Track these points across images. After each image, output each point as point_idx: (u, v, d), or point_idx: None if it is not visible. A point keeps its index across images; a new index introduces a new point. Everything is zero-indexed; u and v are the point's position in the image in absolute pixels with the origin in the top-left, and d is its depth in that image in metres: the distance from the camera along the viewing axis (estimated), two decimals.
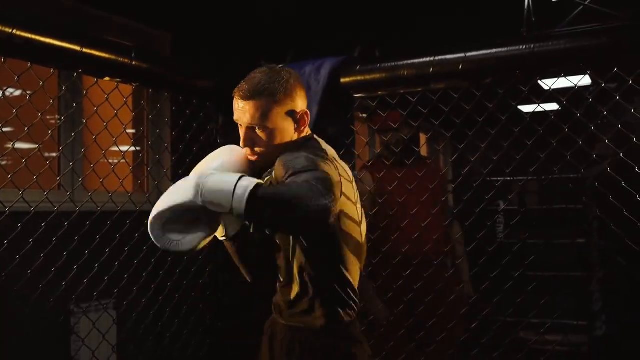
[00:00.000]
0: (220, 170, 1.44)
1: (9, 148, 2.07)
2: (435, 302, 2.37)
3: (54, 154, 3.37)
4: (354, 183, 1.58)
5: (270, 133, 1.50)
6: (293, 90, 1.53)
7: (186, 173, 1.44)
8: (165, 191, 1.35)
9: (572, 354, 2.31)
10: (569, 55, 1.82)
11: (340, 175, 1.45)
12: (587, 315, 3.99)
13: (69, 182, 3.19)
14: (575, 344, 2.38)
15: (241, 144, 1.54)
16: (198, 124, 2.59)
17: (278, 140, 1.51)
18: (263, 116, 1.48)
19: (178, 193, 1.28)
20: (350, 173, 1.59)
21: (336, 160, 1.55)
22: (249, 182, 1.23)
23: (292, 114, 1.53)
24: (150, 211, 1.33)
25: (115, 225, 2.32)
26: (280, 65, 2.35)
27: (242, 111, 1.50)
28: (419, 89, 2.16)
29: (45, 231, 2.08)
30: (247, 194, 1.21)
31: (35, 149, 2.00)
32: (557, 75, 1.94)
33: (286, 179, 1.35)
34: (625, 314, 3.92)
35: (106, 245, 2.31)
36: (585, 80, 2.23)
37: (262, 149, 1.52)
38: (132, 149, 3.79)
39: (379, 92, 2.21)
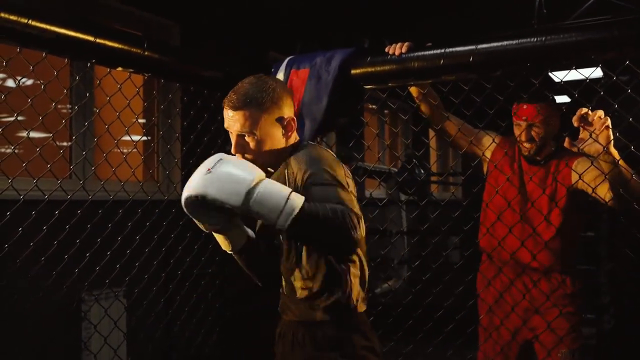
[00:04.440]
0: None
1: (20, 137, 2.10)
2: None
3: (65, 143, 3.40)
4: (352, 180, 1.65)
5: (259, 140, 1.59)
6: (279, 99, 1.61)
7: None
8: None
9: (580, 346, 2.32)
10: (580, 48, 1.81)
11: (346, 176, 1.58)
12: (596, 308, 4.00)
13: (80, 171, 3.22)
14: (584, 337, 2.38)
15: (232, 150, 1.61)
16: (209, 114, 2.60)
17: (267, 146, 1.61)
18: (252, 124, 1.57)
19: (229, 191, 1.35)
20: (349, 172, 1.67)
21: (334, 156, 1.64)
22: (298, 201, 1.34)
23: (279, 120, 1.62)
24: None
25: (126, 214, 2.35)
26: (291, 57, 2.38)
27: (232, 120, 1.58)
28: (429, 81, 2.16)
29: (58, 219, 2.11)
30: (294, 214, 1.32)
31: (47, 137, 2.02)
32: (568, 67, 1.93)
33: (308, 182, 1.49)
34: (634, 307, 3.92)
35: (118, 233, 2.34)
36: (597, 72, 2.22)
37: (252, 155, 1.60)
38: (144, 138, 3.82)
39: (389, 84, 2.21)
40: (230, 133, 1.63)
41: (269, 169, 1.64)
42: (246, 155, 1.60)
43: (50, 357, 3.03)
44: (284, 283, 1.69)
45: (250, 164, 1.45)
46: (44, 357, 2.99)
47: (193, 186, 1.37)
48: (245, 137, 1.59)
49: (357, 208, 1.48)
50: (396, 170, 5.66)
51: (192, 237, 2.62)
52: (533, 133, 2.34)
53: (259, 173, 1.39)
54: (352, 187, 1.58)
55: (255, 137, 1.58)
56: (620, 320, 4.05)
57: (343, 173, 1.56)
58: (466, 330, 2.39)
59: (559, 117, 2.36)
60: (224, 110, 1.60)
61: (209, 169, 1.38)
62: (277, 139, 1.62)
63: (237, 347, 3.12)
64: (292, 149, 1.66)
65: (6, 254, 2.03)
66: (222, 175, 1.37)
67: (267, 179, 1.39)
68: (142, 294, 2.60)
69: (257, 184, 1.35)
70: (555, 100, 2.37)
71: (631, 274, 3.83)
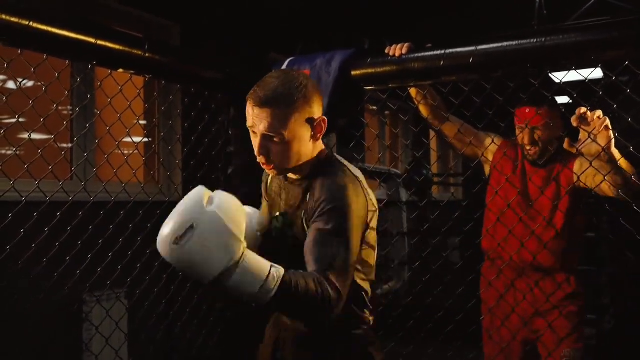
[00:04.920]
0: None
1: (22, 138, 2.11)
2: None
3: (65, 145, 3.41)
4: (377, 211, 1.57)
5: (288, 141, 1.43)
6: (311, 97, 1.46)
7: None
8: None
9: (583, 347, 2.32)
10: (580, 48, 1.81)
11: (367, 209, 1.50)
12: (596, 308, 4.00)
13: (81, 173, 3.23)
14: (585, 337, 2.39)
15: (255, 152, 1.47)
16: (210, 116, 2.61)
17: (295, 149, 1.46)
18: (281, 124, 1.41)
19: (199, 273, 1.23)
20: (373, 197, 1.57)
21: (362, 184, 1.53)
22: (275, 282, 1.26)
23: (310, 121, 1.47)
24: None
25: (128, 215, 2.35)
26: (291, 58, 2.39)
27: (259, 118, 1.42)
28: (429, 82, 2.17)
29: (59, 220, 2.11)
30: (270, 295, 1.25)
31: (47, 139, 2.03)
32: (568, 68, 1.93)
33: (317, 218, 1.41)
34: (634, 307, 3.93)
35: (119, 234, 2.34)
36: (597, 73, 2.22)
37: (276, 159, 1.46)
38: (145, 140, 3.83)
39: (390, 85, 2.22)
40: (252, 132, 1.47)
41: (290, 175, 1.57)
42: (271, 157, 1.46)
43: (51, 358, 3.03)
44: None
45: (229, 226, 1.24)
46: (45, 358, 2.99)
47: (162, 251, 1.24)
48: (272, 138, 1.43)
49: (353, 265, 1.41)
50: (397, 171, 5.66)
51: None
52: (536, 136, 2.34)
53: (234, 250, 1.23)
54: (371, 219, 1.52)
55: (283, 139, 1.42)
56: (621, 321, 4.05)
57: (363, 206, 1.47)
58: (467, 330, 2.40)
59: (562, 119, 2.37)
60: (248, 106, 1.44)
61: (176, 238, 1.22)
62: (305, 141, 1.47)
63: (238, 349, 3.11)
64: (318, 161, 1.54)
65: (8, 255, 2.03)
66: (190, 253, 1.21)
67: (245, 254, 1.26)
68: (143, 295, 2.61)
69: (230, 268, 1.23)
70: (556, 102, 2.37)
71: (632, 275, 3.84)
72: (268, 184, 1.70)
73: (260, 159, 1.48)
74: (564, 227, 2.31)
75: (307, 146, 1.49)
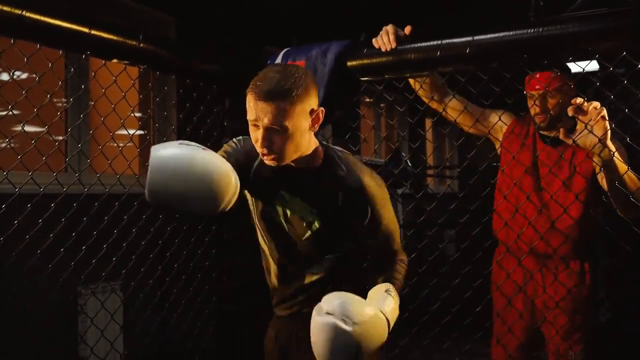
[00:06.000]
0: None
1: (15, 130, 2.09)
2: None
3: (60, 137, 3.39)
4: None
5: (289, 133, 1.47)
6: (310, 88, 1.51)
7: None
8: None
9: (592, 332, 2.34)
10: (576, 39, 1.81)
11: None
12: (592, 302, 4.00)
13: (75, 164, 3.22)
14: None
15: (258, 144, 1.50)
16: (205, 107, 2.59)
17: (296, 140, 1.50)
18: (284, 117, 1.45)
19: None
20: None
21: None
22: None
23: (311, 112, 1.52)
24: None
25: (122, 207, 2.34)
26: (287, 49, 2.37)
27: (262, 112, 1.45)
28: (426, 73, 2.16)
29: (54, 212, 2.10)
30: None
31: (41, 131, 2.02)
32: (564, 59, 1.93)
33: (378, 221, 1.64)
34: (629, 301, 3.94)
35: (114, 226, 2.33)
36: (593, 66, 2.21)
37: (279, 150, 1.50)
38: (139, 132, 3.81)
39: (386, 76, 2.20)
40: (253, 125, 1.50)
41: (293, 164, 1.60)
42: (273, 148, 1.49)
43: (46, 351, 3.03)
44: (280, 272, 1.68)
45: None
46: (40, 351, 2.99)
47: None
48: (275, 131, 1.47)
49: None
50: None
51: (189, 230, 2.62)
52: (548, 104, 2.23)
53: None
54: None
55: (286, 131, 1.47)
56: (616, 314, 4.06)
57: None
58: (462, 322, 2.40)
59: (574, 90, 2.22)
60: (250, 99, 1.48)
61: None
62: (305, 132, 1.52)
63: (234, 341, 3.11)
64: (327, 151, 1.64)
65: (1, 248, 2.02)
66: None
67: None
68: (138, 287, 2.60)
69: None
70: (570, 71, 2.26)
71: (628, 268, 3.85)
72: (254, 168, 1.68)
73: (262, 151, 1.51)
74: (581, 216, 2.22)
75: (305, 137, 1.54)
